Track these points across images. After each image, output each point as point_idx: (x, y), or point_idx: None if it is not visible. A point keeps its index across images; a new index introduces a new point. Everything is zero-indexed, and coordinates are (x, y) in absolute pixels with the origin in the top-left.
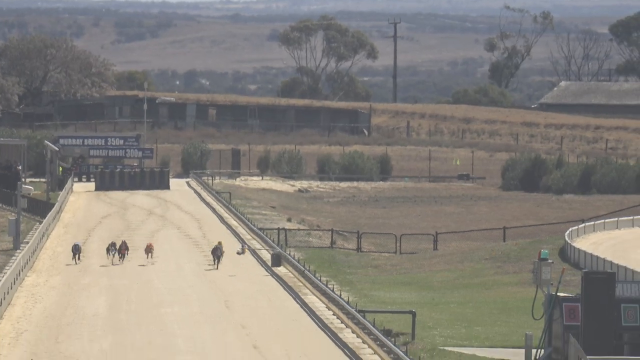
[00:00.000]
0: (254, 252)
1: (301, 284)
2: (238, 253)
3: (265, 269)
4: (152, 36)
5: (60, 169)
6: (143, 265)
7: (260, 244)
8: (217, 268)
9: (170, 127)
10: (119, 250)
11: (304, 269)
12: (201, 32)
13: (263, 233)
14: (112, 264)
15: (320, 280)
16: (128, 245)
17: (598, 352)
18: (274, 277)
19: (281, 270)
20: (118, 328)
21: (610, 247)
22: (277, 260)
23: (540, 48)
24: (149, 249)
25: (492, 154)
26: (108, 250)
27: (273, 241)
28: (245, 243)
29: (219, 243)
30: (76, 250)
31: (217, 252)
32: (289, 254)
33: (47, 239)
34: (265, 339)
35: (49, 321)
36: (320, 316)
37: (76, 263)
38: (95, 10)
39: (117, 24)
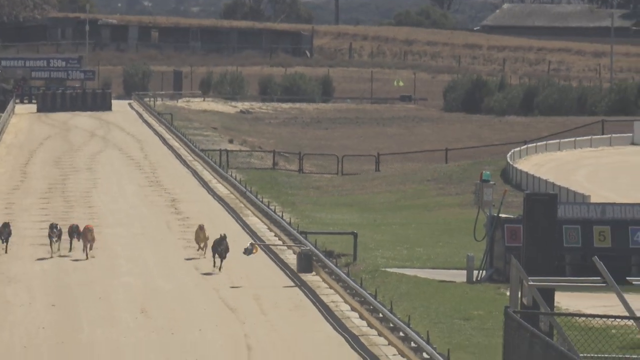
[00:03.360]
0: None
1: (243, 205)
2: (246, 250)
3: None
4: None
5: None
6: (78, 260)
7: (281, 238)
8: (219, 269)
9: (112, 49)
10: (71, 235)
11: (245, 190)
12: None
13: (205, 154)
14: (52, 254)
15: (261, 202)
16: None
17: (540, 273)
18: (220, 203)
19: (223, 191)
20: (60, 249)
21: (553, 168)
22: (307, 263)
23: None
24: (86, 235)
25: (434, 75)
26: (50, 236)
27: (215, 162)
28: (259, 240)
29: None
30: (5, 233)
31: (218, 248)
32: (231, 175)
33: None
34: (207, 261)
35: None
36: (262, 237)
37: (6, 251)
38: None
39: None
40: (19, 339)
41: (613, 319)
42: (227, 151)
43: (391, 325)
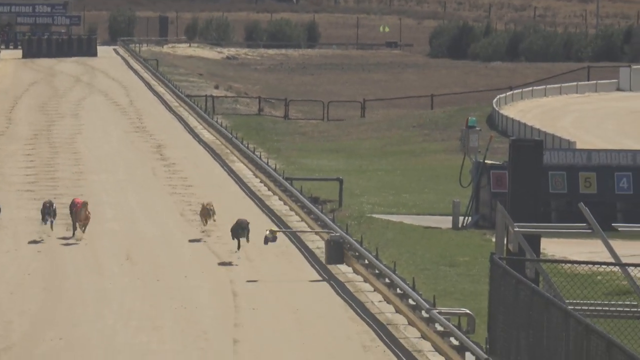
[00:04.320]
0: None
1: (228, 151)
2: (267, 239)
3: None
4: None
5: None
6: (67, 244)
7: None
8: (238, 248)
9: None
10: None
11: (231, 136)
12: None
13: (190, 100)
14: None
15: (247, 148)
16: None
17: (525, 219)
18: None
19: (208, 137)
20: (45, 194)
21: (538, 114)
22: (338, 252)
23: None
24: (79, 213)
25: (420, 21)
26: (43, 215)
27: (200, 108)
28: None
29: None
30: None
31: (239, 230)
32: (216, 121)
33: None
34: (193, 206)
35: None
36: (248, 183)
37: None
38: None
39: None
40: (6, 285)
41: (599, 266)
42: (212, 97)
43: (377, 271)
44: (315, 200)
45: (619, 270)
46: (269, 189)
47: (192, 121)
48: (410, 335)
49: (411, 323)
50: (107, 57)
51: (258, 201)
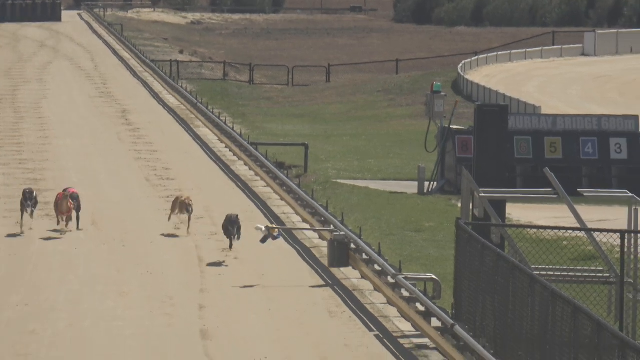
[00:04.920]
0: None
1: (193, 116)
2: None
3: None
4: None
5: None
6: (50, 238)
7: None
8: (230, 248)
9: None
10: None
11: (196, 101)
12: None
13: (155, 65)
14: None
15: (212, 113)
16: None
17: (491, 185)
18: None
19: (173, 102)
20: (11, 159)
21: (503, 79)
22: (342, 253)
23: None
24: (61, 205)
25: None
26: (23, 205)
27: (165, 73)
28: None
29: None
30: None
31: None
32: (181, 86)
33: None
34: (158, 171)
35: None
36: (213, 148)
37: None
38: None
39: None
40: None
41: (564, 231)
42: (177, 62)
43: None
44: (280, 166)
45: (585, 235)
46: (235, 154)
47: (157, 86)
48: (376, 301)
49: (377, 289)
50: (71, 22)
51: (223, 166)
